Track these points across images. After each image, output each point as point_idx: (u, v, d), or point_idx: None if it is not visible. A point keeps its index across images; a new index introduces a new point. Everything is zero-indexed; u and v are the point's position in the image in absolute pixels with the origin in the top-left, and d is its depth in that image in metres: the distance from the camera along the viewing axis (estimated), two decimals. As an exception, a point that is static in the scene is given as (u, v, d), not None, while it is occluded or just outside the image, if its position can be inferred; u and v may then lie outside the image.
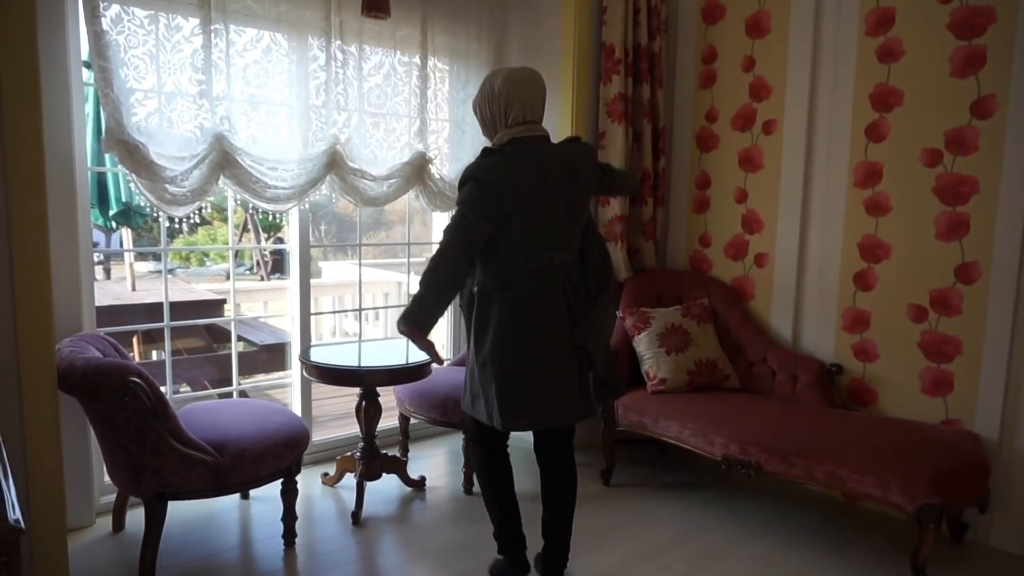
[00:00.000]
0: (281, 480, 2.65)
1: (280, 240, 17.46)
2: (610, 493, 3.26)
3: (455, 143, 3.64)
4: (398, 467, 3.20)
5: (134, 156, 2.62)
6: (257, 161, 2.94)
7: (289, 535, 2.69)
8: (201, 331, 4.95)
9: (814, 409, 2.99)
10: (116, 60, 2.57)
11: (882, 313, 3.07)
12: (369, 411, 3.05)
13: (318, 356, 2.94)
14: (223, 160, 2.84)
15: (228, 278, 11.93)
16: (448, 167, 3.63)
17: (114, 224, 4.06)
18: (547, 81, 2.32)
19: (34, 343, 2.16)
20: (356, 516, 2.92)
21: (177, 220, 2.93)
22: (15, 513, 1.02)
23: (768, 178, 3.45)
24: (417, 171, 3.45)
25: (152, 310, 4.47)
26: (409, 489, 3.26)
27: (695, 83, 3.75)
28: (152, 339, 4.75)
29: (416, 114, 3.44)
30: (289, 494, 2.67)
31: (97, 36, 2.52)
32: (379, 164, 3.34)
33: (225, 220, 15.98)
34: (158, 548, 2.42)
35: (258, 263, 12.80)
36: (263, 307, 6.83)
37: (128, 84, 2.62)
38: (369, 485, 3.13)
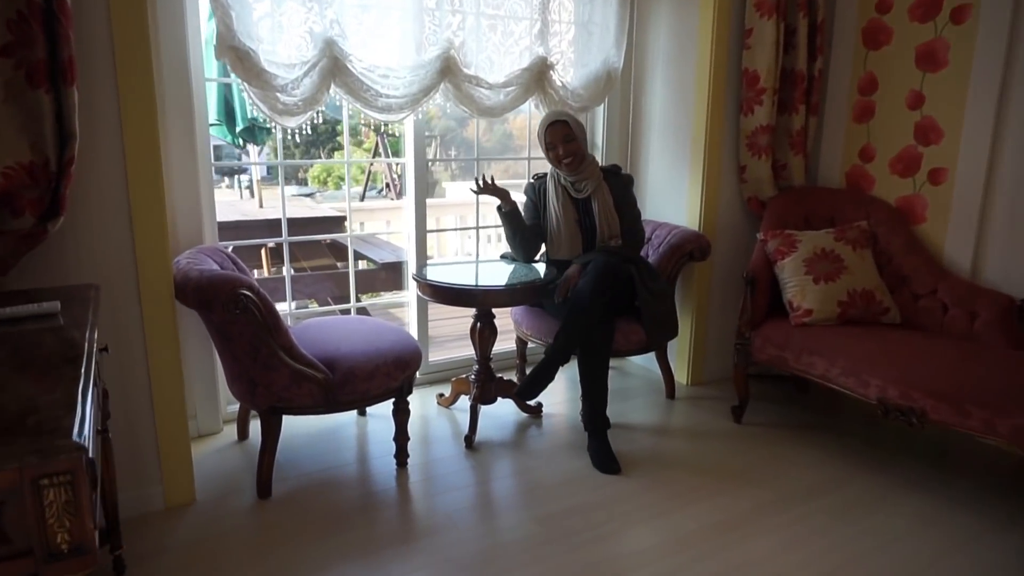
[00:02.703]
0: (393, 400, 2.60)
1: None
2: (741, 432, 2.99)
3: (581, 46, 3.31)
4: (514, 392, 3.08)
5: (244, 63, 2.52)
6: (368, 68, 2.78)
7: (401, 455, 2.65)
8: (324, 249, 5.03)
9: (998, 351, 2.53)
10: (224, -39, 2.46)
11: (1097, 239, 2.51)
12: (484, 333, 2.92)
13: (433, 275, 2.82)
14: (333, 67, 2.70)
15: (361, 199, 12.25)
16: (572, 73, 3.32)
17: (240, 141, 4.10)
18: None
19: (151, 254, 2.17)
20: (469, 440, 2.84)
21: (291, 132, 2.85)
22: (84, 431, 0.93)
23: (953, 78, 2.87)
24: (537, 78, 3.17)
25: (274, 226, 4.55)
26: (525, 415, 3.14)
27: (865, -36, 3.16)
28: (279, 255, 4.88)
29: (537, 15, 3.13)
30: (401, 414, 2.62)
31: (204, -66, 2.41)
32: (496, 70, 3.09)
33: (359, 145, 16.38)
34: (274, 459, 2.45)
35: (387, 185, 13.05)
36: (385, 225, 6.90)
37: (238, -13, 2.51)
38: (484, 409, 3.05)
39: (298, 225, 4.51)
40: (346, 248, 5.12)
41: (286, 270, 3.20)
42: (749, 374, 3.02)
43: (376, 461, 2.71)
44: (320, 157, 16.53)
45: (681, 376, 3.53)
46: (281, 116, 2.71)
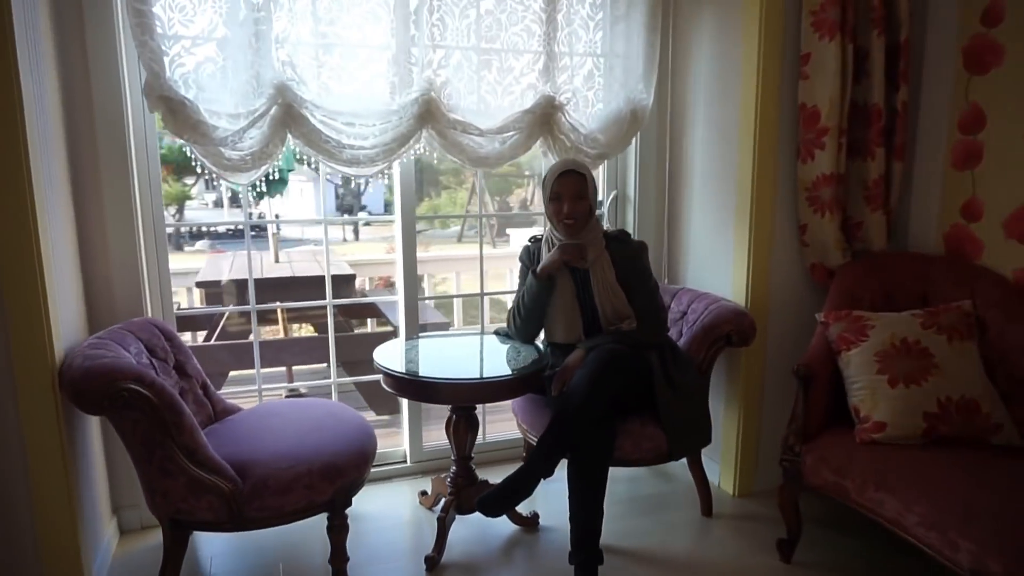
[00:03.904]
0: (326, 514, 2.13)
1: (507, 205, 17.59)
2: (789, 573, 2.27)
3: (598, 82, 2.78)
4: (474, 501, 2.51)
5: (177, 115, 2.21)
6: (329, 116, 2.40)
7: (339, 582, 2.17)
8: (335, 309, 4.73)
9: None
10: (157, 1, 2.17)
11: None
12: (460, 428, 2.42)
13: (388, 359, 2.35)
14: (286, 116, 2.34)
15: (458, 240, 12.09)
16: (589, 113, 2.79)
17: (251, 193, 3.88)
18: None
19: (28, 343, 1.85)
20: (431, 561, 2.31)
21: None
22: None
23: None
24: (542, 120, 2.66)
25: (284, 284, 4.28)
26: (516, 528, 2.57)
27: (968, -33, 2.43)
28: (298, 315, 4.62)
29: (541, 47, 2.65)
30: (336, 532, 2.14)
31: (130, -28, 2.13)
32: (490, 114, 2.62)
33: (461, 184, 16.47)
34: (175, 582, 2.04)
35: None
36: (455, 278, 6.55)
37: (172, 29, 2.22)
38: (467, 521, 2.52)
39: (304, 284, 4.22)
40: (363, 308, 4.76)
41: (255, 338, 2.85)
42: (799, 496, 2.31)
43: (313, 583, 2.24)
44: (428, 196, 16.69)
45: (727, 484, 2.83)
46: (228, 173, 2.37)
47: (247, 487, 1.96)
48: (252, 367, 2.95)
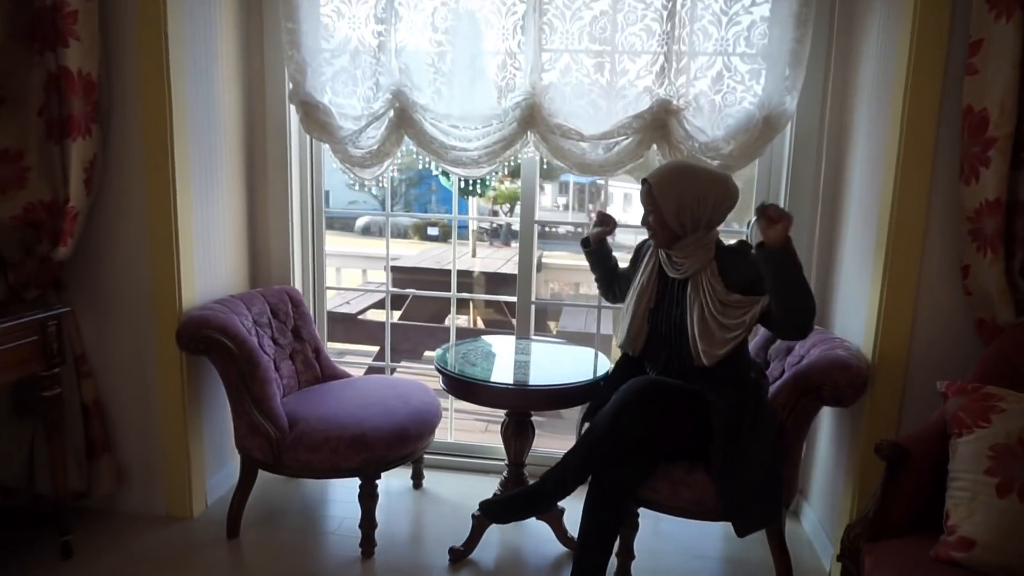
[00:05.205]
0: (359, 481, 2.33)
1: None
2: None
3: (725, 84, 2.47)
4: (551, 517, 2.44)
5: (309, 117, 2.62)
6: (437, 118, 2.59)
7: (366, 544, 2.36)
8: (501, 305, 4.84)
9: None
10: (306, 20, 2.59)
11: None
12: (508, 432, 2.42)
13: (462, 358, 2.45)
14: (399, 118, 2.59)
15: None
16: (716, 119, 2.49)
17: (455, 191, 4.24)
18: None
19: (162, 295, 2.41)
20: (456, 553, 2.36)
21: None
22: None
23: None
24: (655, 126, 2.47)
25: (462, 276, 4.55)
26: (562, 549, 2.47)
27: None
28: (493, 306, 4.88)
29: (659, 47, 2.46)
30: (365, 499, 2.33)
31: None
32: (597, 119, 2.52)
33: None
34: (243, 505, 2.44)
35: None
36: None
37: (318, 43, 2.62)
38: (510, 529, 2.52)
39: (477, 279, 4.44)
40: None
41: (387, 321, 3.18)
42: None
43: (348, 540, 2.45)
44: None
45: (826, 558, 2.31)
46: (355, 168, 2.71)
47: (289, 438, 2.27)
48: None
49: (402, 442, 2.33)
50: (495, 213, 12.13)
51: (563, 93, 2.53)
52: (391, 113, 2.60)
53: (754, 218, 1.89)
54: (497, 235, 12.47)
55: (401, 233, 15.48)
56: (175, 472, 2.52)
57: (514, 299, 3.04)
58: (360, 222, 14.07)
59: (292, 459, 2.27)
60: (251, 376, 2.31)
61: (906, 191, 2.03)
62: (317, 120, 2.62)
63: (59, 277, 2.33)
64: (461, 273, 4.94)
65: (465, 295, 3.42)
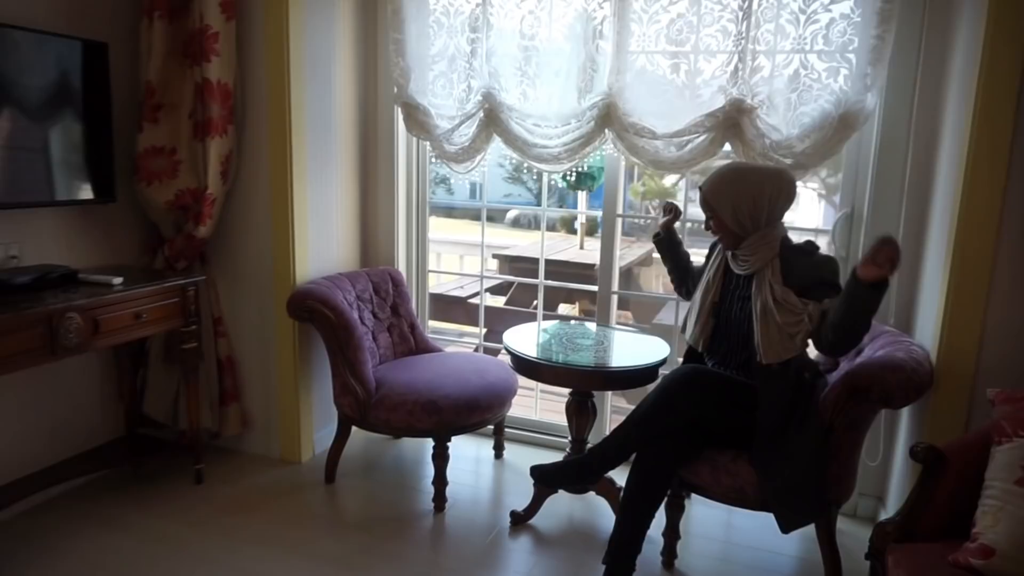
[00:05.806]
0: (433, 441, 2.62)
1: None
2: None
3: (801, 82, 2.45)
4: (608, 492, 2.58)
5: (411, 117, 2.93)
6: (522, 117, 2.80)
7: (438, 499, 2.64)
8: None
9: None
10: (410, 31, 2.89)
11: None
12: (571, 409, 2.59)
13: (524, 338, 2.65)
14: (488, 117, 2.83)
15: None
16: (790, 117, 2.49)
17: (567, 185, 4.42)
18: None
19: (280, 272, 2.81)
20: (516, 516, 2.58)
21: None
22: None
23: None
24: (727, 125, 2.52)
25: (558, 265, 4.70)
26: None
27: None
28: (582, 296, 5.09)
29: (734, 46, 2.50)
30: (437, 458, 2.61)
31: (395, 13, 2.89)
32: (674, 117, 2.60)
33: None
34: (339, 455, 2.81)
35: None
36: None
37: (420, 51, 2.91)
38: (569, 500, 2.69)
39: (565, 268, 4.55)
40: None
41: (480, 306, 3.44)
42: None
43: (430, 496, 2.73)
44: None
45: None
46: (451, 162, 3.00)
47: (374, 399, 2.60)
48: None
49: (471, 411, 2.58)
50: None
51: (638, 93, 2.64)
52: (481, 113, 2.85)
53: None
54: (645, 230, 12.42)
55: (550, 226, 15.95)
56: (288, 423, 2.94)
57: (595, 288, 3.19)
58: (510, 214, 14.51)
59: (375, 417, 2.60)
60: (346, 343, 2.65)
61: (974, 189, 1.96)
62: (417, 120, 2.92)
63: (203, 252, 2.82)
64: (581, 266, 5.14)
65: (552, 283, 3.57)
